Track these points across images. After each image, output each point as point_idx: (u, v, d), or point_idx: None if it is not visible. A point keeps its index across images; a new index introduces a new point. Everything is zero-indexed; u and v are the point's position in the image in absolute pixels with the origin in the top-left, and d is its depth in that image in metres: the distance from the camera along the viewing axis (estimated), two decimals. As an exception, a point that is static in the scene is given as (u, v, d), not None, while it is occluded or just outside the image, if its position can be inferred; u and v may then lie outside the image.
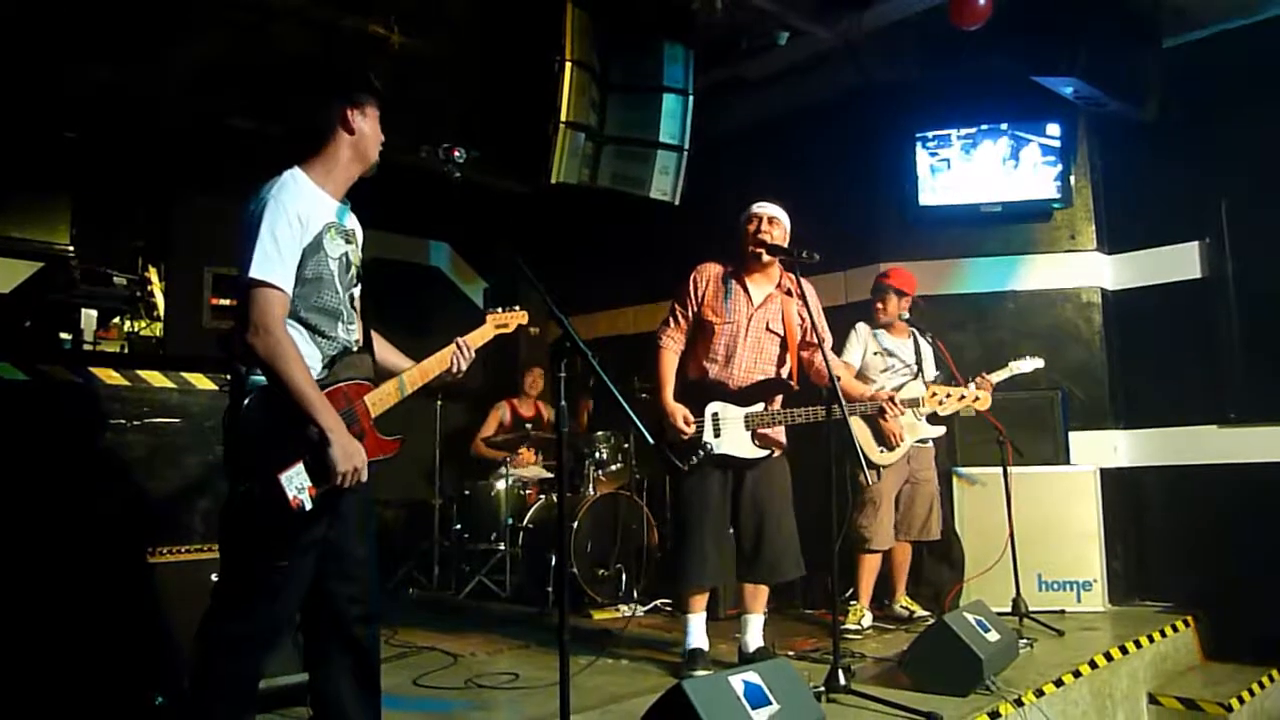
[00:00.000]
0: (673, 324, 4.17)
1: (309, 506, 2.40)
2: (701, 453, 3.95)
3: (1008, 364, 4.88)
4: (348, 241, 2.66)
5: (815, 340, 4.05)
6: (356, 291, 2.72)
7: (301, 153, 2.61)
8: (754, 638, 4.08)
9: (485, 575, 6.12)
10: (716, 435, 3.97)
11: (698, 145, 5.35)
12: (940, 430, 5.03)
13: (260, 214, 2.44)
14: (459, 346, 2.87)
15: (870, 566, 4.95)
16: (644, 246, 6.72)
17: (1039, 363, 4.93)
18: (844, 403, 3.63)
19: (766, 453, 4.03)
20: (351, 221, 2.72)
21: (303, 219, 2.49)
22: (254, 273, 2.38)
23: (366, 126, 2.66)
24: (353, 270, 2.69)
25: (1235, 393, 5.38)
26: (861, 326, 5.15)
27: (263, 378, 2.41)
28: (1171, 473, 5.62)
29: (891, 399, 4.13)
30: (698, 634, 4.07)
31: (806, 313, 4.01)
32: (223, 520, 2.52)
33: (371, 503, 2.72)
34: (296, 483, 2.39)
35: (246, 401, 2.41)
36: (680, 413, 3.96)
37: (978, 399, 4.35)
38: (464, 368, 2.87)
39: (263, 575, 2.45)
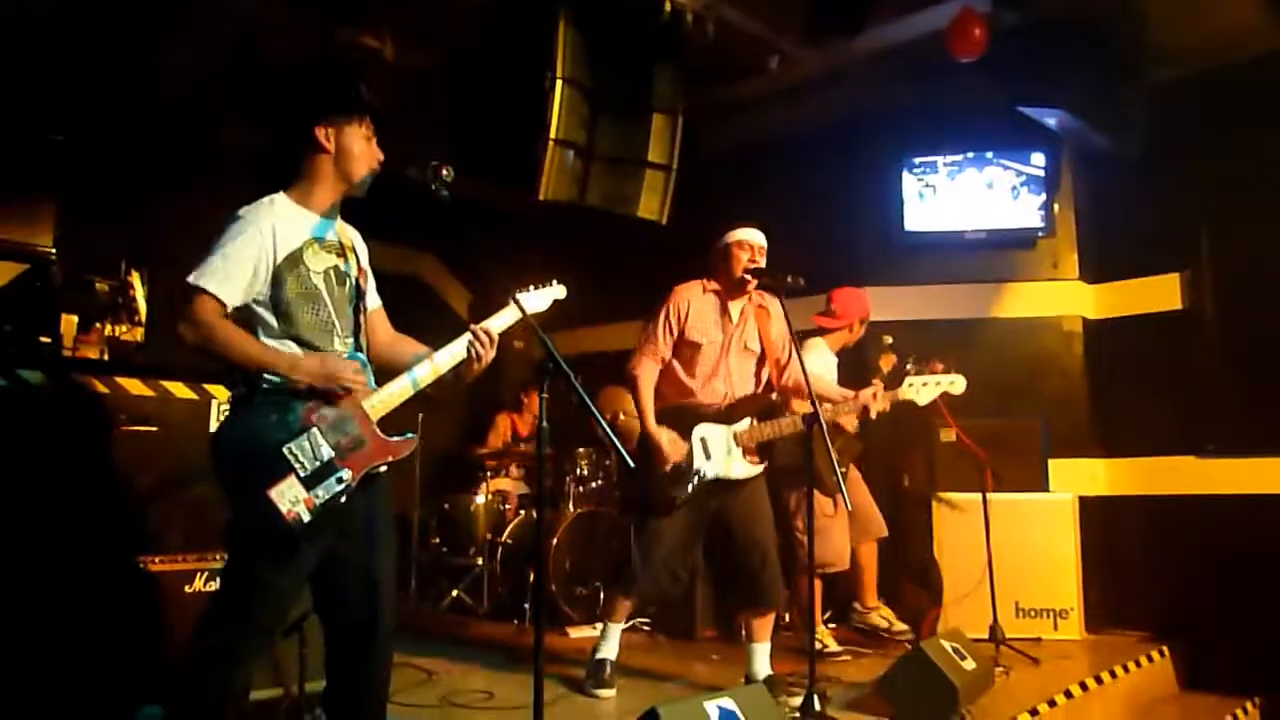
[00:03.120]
0: (649, 350, 4.07)
1: (307, 518, 2.41)
2: (696, 480, 3.88)
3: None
4: (338, 255, 2.67)
5: (788, 356, 4.10)
6: (362, 303, 2.73)
7: (285, 173, 2.63)
8: (763, 667, 4.01)
9: (463, 590, 6.09)
10: (708, 459, 3.93)
11: (686, 165, 5.37)
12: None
13: (222, 228, 2.51)
14: (475, 335, 2.76)
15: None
16: (631, 264, 6.72)
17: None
18: (821, 410, 3.64)
19: (759, 469, 4.01)
20: (345, 236, 2.73)
21: (270, 235, 2.52)
22: (190, 278, 2.45)
23: (348, 145, 2.66)
24: (350, 283, 2.68)
25: (1213, 425, 5.43)
26: (819, 341, 5.11)
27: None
28: (1150, 502, 5.66)
29: (875, 395, 4.03)
30: (614, 643, 4.09)
31: (784, 329, 4.08)
32: (226, 535, 2.54)
33: (388, 510, 2.73)
34: (290, 496, 2.39)
35: (225, 419, 2.43)
36: (666, 436, 3.90)
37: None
38: (486, 356, 2.76)
39: (255, 589, 2.47)
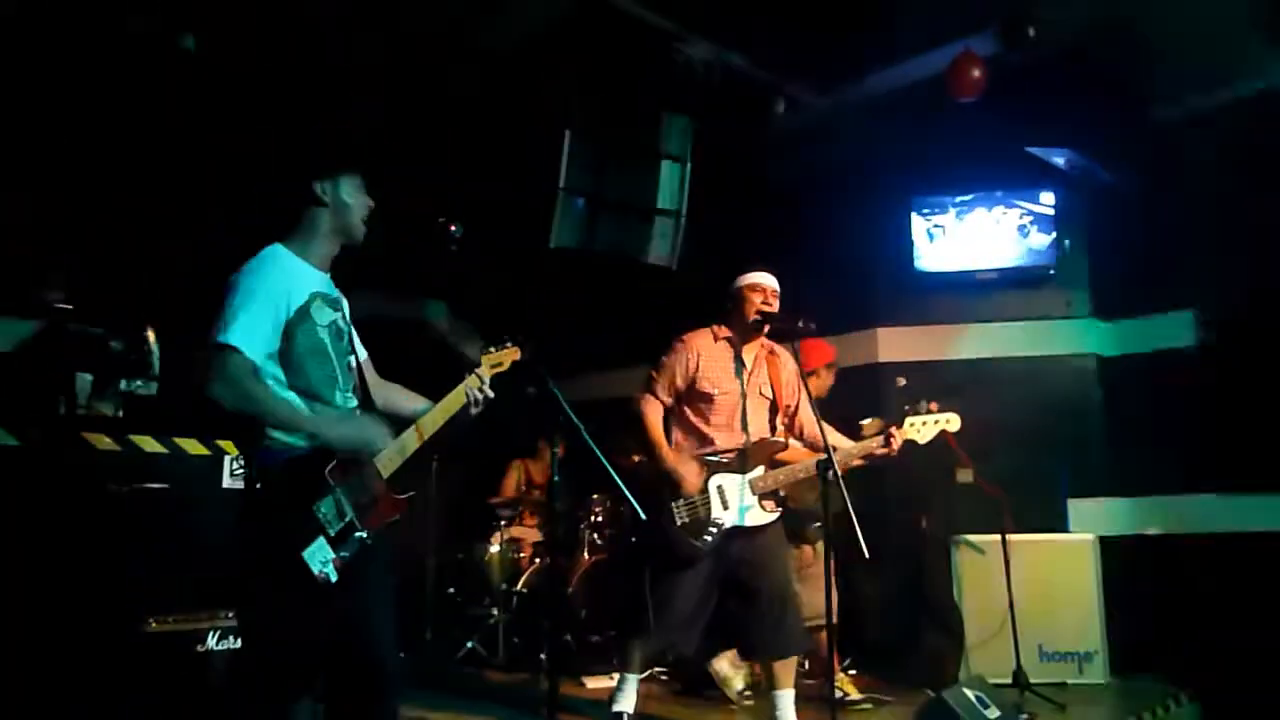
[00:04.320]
0: (654, 390, 4.06)
1: (334, 579, 2.43)
2: (715, 530, 3.85)
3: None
4: (334, 309, 2.69)
5: (798, 403, 4.11)
6: (353, 359, 2.74)
7: (282, 227, 2.64)
8: (786, 715, 3.93)
9: (478, 640, 6.03)
10: (725, 508, 3.90)
11: (695, 210, 5.40)
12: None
13: (236, 283, 2.51)
14: (470, 385, 2.82)
15: None
16: (640, 308, 6.73)
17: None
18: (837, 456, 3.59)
19: (775, 515, 3.97)
20: (335, 291, 2.75)
21: (283, 291, 2.53)
22: (218, 336, 2.44)
23: (345, 198, 2.68)
24: (345, 338, 2.71)
25: (1232, 462, 5.35)
26: None
27: (280, 449, 2.45)
28: (1171, 541, 5.57)
29: (890, 436, 3.95)
30: (631, 695, 4.04)
31: (793, 375, 4.09)
32: (244, 601, 2.54)
33: (390, 565, 2.71)
34: (319, 557, 2.41)
35: (255, 486, 2.41)
36: (688, 469, 3.88)
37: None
38: (480, 399, 2.83)
39: (287, 651, 2.47)
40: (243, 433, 2.53)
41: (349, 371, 2.70)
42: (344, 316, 2.73)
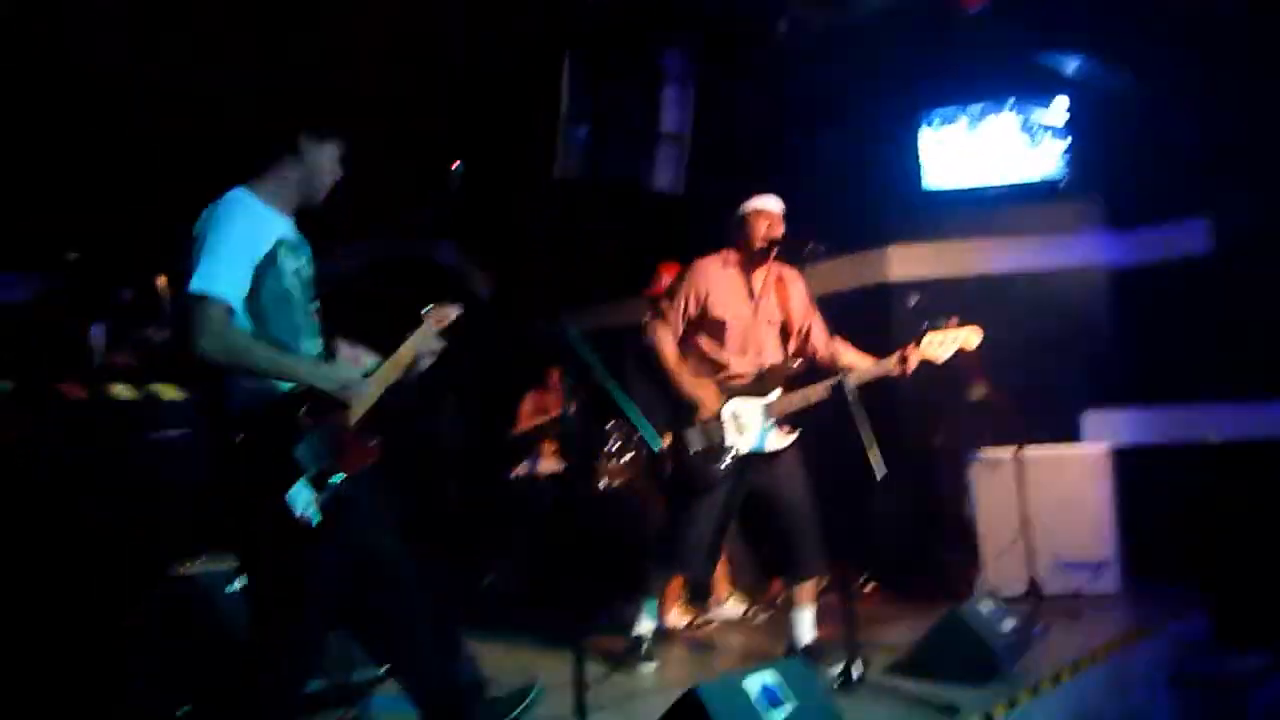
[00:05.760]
0: (664, 316, 4.02)
1: (316, 520, 2.42)
2: (730, 457, 3.84)
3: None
4: (299, 256, 2.64)
5: (809, 325, 4.09)
6: (316, 305, 2.71)
7: (253, 168, 2.59)
8: (806, 632, 3.98)
9: (501, 572, 6.12)
10: (740, 434, 3.90)
11: (700, 135, 5.33)
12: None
13: (206, 229, 2.44)
14: (418, 339, 2.81)
15: None
16: (649, 235, 6.68)
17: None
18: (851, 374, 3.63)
19: (792, 438, 3.96)
20: (299, 237, 2.70)
21: (253, 236, 2.47)
22: (194, 287, 2.37)
23: (322, 160, 2.64)
24: (309, 284, 2.67)
25: (1248, 369, 5.33)
26: None
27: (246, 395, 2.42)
28: (1185, 451, 5.57)
29: (905, 356, 3.91)
30: (649, 619, 4.09)
31: (803, 297, 4.07)
32: (241, 555, 2.55)
33: (384, 500, 2.72)
34: (302, 499, 2.40)
35: (225, 435, 2.40)
36: (707, 392, 3.87)
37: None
38: (429, 351, 2.81)
39: (292, 598, 2.48)
40: (205, 379, 2.48)
41: (313, 318, 2.67)
42: (307, 265, 2.67)
